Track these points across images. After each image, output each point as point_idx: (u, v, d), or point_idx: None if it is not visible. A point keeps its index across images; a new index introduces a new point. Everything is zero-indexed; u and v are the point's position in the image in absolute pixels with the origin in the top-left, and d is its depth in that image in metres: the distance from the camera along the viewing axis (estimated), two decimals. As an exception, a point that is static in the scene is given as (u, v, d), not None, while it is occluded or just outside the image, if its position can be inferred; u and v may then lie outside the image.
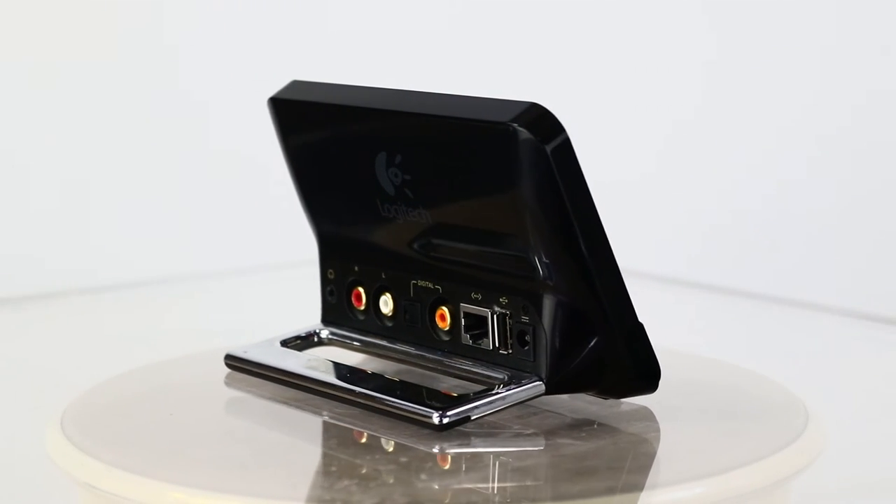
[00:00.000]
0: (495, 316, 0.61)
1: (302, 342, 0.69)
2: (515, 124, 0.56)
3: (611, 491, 0.55)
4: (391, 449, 0.59)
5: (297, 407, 0.64)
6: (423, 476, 0.56)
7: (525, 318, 0.60)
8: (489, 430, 0.60)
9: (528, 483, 0.56)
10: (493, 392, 0.59)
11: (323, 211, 0.67)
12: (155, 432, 0.61)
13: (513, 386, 0.60)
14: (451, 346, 0.63)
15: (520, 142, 0.56)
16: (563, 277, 0.58)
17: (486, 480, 0.56)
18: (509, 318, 0.61)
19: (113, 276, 1.32)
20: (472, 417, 0.59)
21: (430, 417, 0.58)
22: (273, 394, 0.66)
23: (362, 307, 0.67)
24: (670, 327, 0.90)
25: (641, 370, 0.60)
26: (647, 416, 0.62)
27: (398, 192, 0.62)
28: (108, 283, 1.20)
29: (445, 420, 0.58)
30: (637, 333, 0.60)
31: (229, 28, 1.44)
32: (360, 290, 0.67)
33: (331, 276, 0.68)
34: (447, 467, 0.57)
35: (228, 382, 0.68)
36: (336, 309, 0.68)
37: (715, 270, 1.49)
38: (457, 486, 0.55)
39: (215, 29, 1.44)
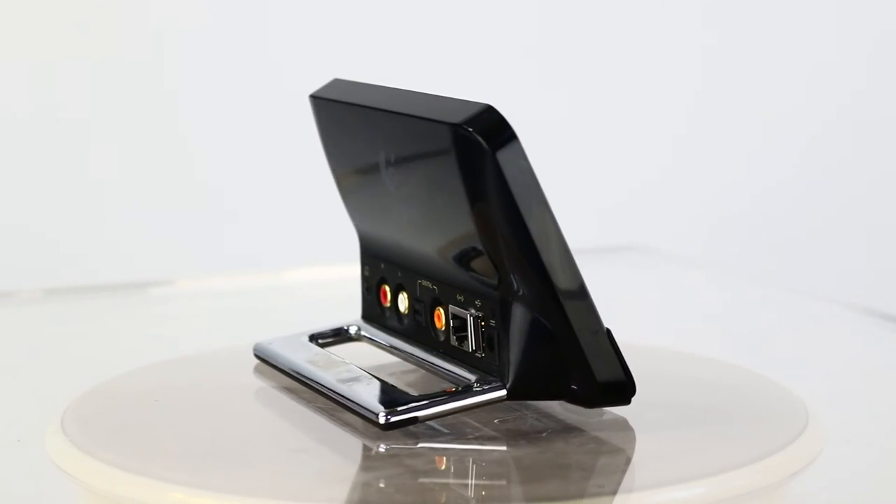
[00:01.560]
0: (472, 319, 0.61)
1: (333, 337, 0.70)
2: (464, 126, 0.56)
3: (611, 491, 0.55)
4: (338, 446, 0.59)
5: (302, 404, 0.64)
6: (380, 475, 0.57)
7: (493, 323, 0.60)
8: (463, 430, 0.60)
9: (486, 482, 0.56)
10: (448, 394, 0.59)
11: (355, 207, 0.68)
12: (155, 432, 0.61)
13: (474, 389, 0.59)
14: (444, 346, 0.63)
15: (468, 144, 0.56)
16: (522, 283, 0.58)
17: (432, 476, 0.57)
18: (481, 321, 0.61)
19: (113, 277, 1.33)
20: (420, 419, 0.59)
21: (377, 416, 0.59)
22: (279, 390, 0.66)
23: (388, 304, 0.67)
24: (670, 323, 0.90)
25: (607, 380, 0.59)
26: (646, 415, 0.62)
27: (397, 190, 0.62)
28: (108, 284, 1.20)
29: (392, 419, 0.58)
30: (600, 342, 0.59)
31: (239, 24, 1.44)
32: (386, 287, 0.67)
33: (366, 273, 0.69)
34: (403, 465, 0.57)
35: (242, 374, 0.69)
36: (371, 306, 0.69)
37: (727, 258, 1.49)
38: (419, 484, 0.56)
39: (222, 25, 1.44)
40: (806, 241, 1.53)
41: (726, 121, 1.51)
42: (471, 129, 0.56)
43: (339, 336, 0.70)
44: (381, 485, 0.56)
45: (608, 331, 0.59)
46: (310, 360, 0.66)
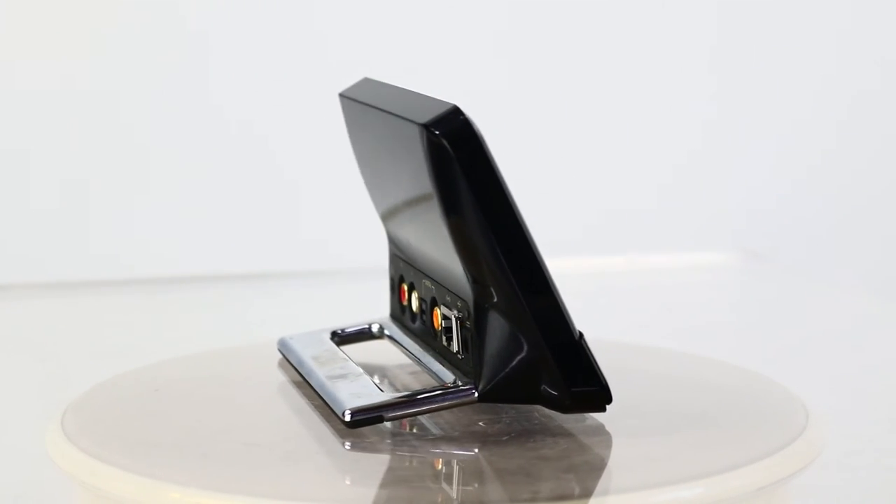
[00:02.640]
0: (455, 320, 0.61)
1: (354, 335, 0.70)
2: (428, 126, 0.56)
3: (611, 491, 0.55)
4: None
5: (305, 401, 0.65)
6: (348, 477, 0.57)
7: (468, 325, 0.60)
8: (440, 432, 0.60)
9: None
10: (418, 395, 0.60)
11: (377, 204, 0.68)
12: (156, 432, 0.61)
13: (444, 391, 0.59)
14: (439, 346, 0.63)
15: (433, 145, 0.56)
16: (490, 286, 0.58)
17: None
18: (460, 323, 0.61)
19: (114, 276, 1.33)
20: (385, 418, 0.59)
21: (342, 414, 0.59)
22: (287, 387, 0.66)
23: (406, 303, 0.67)
24: (674, 320, 0.90)
25: (578, 387, 0.59)
26: (645, 415, 0.62)
27: (397, 189, 0.63)
28: (109, 284, 1.20)
29: (356, 418, 0.59)
30: (570, 348, 0.58)
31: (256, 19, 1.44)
32: (404, 286, 0.67)
33: (391, 272, 0.69)
34: (372, 467, 0.58)
35: (259, 369, 0.70)
36: (395, 304, 0.69)
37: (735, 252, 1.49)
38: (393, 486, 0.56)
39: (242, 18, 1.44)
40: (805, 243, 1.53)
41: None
42: (434, 130, 0.56)
43: (361, 334, 0.71)
44: (347, 482, 0.56)
45: (581, 337, 0.59)
46: (315, 356, 0.67)
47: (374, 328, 0.71)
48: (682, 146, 1.49)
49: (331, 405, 0.61)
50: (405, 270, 0.67)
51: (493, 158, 0.56)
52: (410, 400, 0.59)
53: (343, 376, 0.63)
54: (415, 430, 0.61)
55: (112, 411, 0.65)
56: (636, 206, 1.49)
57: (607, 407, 0.59)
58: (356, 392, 0.61)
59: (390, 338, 0.69)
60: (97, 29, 1.40)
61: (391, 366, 0.69)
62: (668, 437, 0.60)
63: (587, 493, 0.55)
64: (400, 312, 0.69)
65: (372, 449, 0.59)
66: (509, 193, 0.56)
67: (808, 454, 0.59)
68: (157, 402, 0.66)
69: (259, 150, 1.41)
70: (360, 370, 0.64)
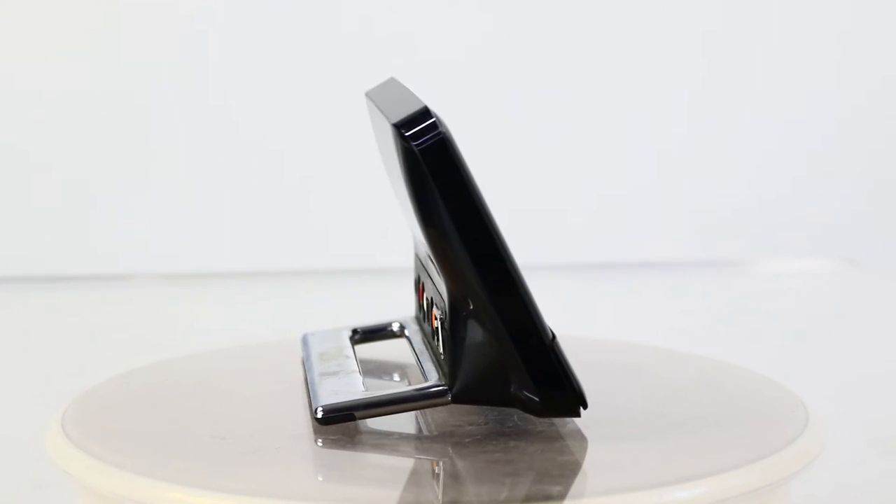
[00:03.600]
0: (439, 322, 0.61)
1: (374, 333, 0.71)
2: (398, 126, 0.56)
3: (611, 490, 0.55)
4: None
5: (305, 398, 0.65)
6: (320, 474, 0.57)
7: (447, 326, 0.60)
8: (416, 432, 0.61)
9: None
10: (393, 395, 0.60)
11: (399, 203, 0.68)
12: (155, 432, 0.61)
13: (418, 391, 0.60)
14: (433, 346, 0.64)
15: (402, 144, 0.56)
16: (459, 287, 0.58)
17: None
18: (441, 324, 0.61)
19: (113, 276, 1.33)
20: (356, 416, 0.60)
21: (315, 411, 0.60)
22: (298, 384, 0.66)
23: (421, 302, 0.68)
24: (672, 320, 0.91)
25: (549, 391, 0.58)
26: (645, 414, 0.62)
27: (399, 189, 0.63)
28: (109, 283, 1.20)
29: (328, 415, 0.59)
30: (540, 352, 0.58)
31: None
32: (421, 286, 0.68)
33: (414, 272, 0.70)
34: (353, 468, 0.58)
35: (277, 366, 0.71)
36: (417, 303, 0.70)
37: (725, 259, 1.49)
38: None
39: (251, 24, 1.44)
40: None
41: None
42: (402, 130, 0.56)
43: (381, 332, 0.71)
44: (320, 478, 0.57)
45: (554, 340, 0.58)
46: (322, 352, 0.67)
47: (395, 327, 0.71)
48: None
49: (311, 401, 0.61)
50: (420, 271, 0.67)
51: (461, 160, 0.56)
52: (383, 400, 0.60)
53: (335, 373, 0.63)
54: (392, 430, 0.61)
55: (112, 411, 0.65)
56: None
57: (582, 411, 0.59)
58: (337, 390, 0.61)
59: (406, 337, 0.70)
60: (102, 29, 1.40)
61: (400, 364, 0.69)
62: (668, 437, 0.60)
63: (587, 494, 0.55)
64: (419, 311, 0.69)
65: (344, 446, 0.59)
66: (478, 195, 0.56)
67: (808, 454, 0.59)
68: (158, 402, 0.66)
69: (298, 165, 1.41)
70: (356, 368, 0.64)
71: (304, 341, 0.70)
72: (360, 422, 0.60)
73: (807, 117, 1.52)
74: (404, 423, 0.61)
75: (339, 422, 0.60)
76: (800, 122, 1.52)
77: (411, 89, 0.61)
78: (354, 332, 0.71)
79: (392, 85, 0.66)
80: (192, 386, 0.69)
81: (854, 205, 1.51)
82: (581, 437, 0.59)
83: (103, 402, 0.66)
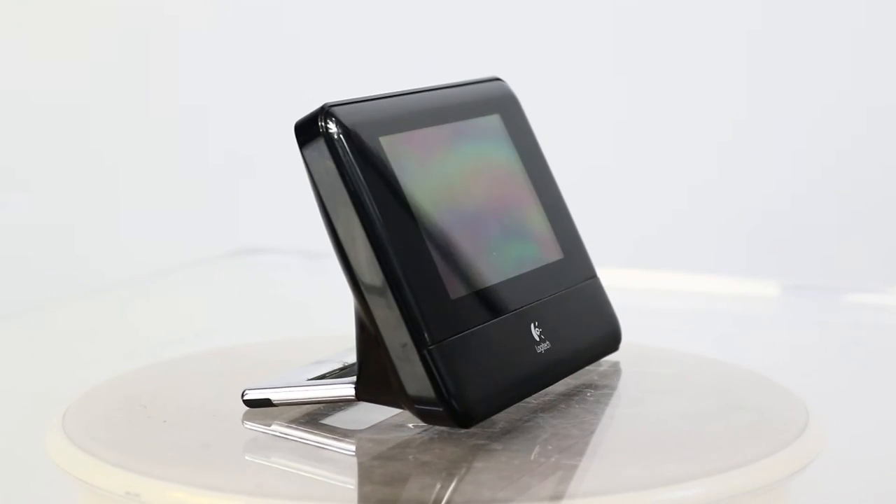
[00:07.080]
0: None
1: None
2: (296, 124, 0.57)
3: (611, 490, 0.55)
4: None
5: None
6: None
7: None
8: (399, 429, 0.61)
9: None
10: (308, 384, 0.61)
11: None
12: (156, 432, 0.61)
13: (331, 383, 0.60)
14: None
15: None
16: (351, 282, 0.57)
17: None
18: None
19: (113, 276, 1.33)
20: (274, 402, 0.61)
21: (242, 394, 0.62)
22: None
23: None
24: (671, 323, 0.91)
25: (419, 398, 0.57)
26: (645, 415, 0.62)
27: None
28: (109, 283, 1.20)
29: (248, 398, 0.62)
30: (410, 355, 0.56)
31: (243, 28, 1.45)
32: None
33: None
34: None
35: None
36: None
37: (724, 263, 1.49)
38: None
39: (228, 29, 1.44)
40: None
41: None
42: (296, 129, 0.57)
43: None
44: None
45: (433, 344, 0.56)
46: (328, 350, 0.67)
47: None
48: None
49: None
50: None
51: (347, 161, 0.56)
52: (299, 389, 0.61)
53: (319, 362, 0.64)
54: (332, 424, 0.61)
55: (112, 411, 0.65)
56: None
57: (463, 423, 0.57)
58: (285, 377, 0.63)
59: None
60: (97, 29, 1.40)
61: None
62: (667, 437, 0.60)
63: (583, 493, 0.55)
64: None
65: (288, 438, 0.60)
66: (364, 194, 0.56)
67: (808, 454, 0.59)
68: (159, 403, 0.66)
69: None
70: (342, 360, 0.64)
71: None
72: (367, 426, 0.60)
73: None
74: (403, 420, 0.61)
75: (257, 406, 0.61)
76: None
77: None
78: None
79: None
80: (193, 386, 0.69)
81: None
82: (577, 436, 0.59)
83: (104, 402, 0.66)
